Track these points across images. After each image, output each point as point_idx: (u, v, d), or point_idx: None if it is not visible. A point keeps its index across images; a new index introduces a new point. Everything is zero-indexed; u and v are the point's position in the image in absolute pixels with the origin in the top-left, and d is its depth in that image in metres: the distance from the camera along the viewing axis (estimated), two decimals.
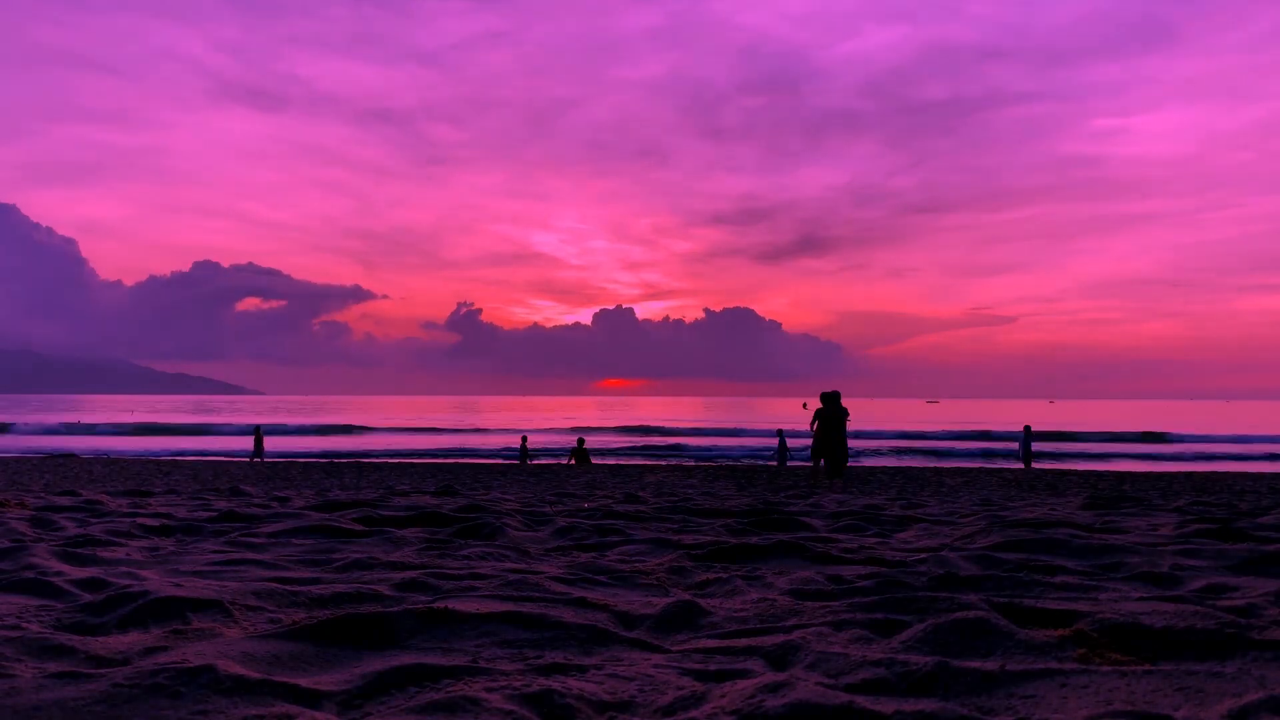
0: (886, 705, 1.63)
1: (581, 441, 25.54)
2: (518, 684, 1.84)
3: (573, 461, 24.78)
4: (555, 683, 1.86)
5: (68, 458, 25.37)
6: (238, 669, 1.85)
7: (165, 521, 5.22)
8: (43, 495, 7.91)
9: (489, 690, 1.79)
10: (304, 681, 1.88)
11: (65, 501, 6.72)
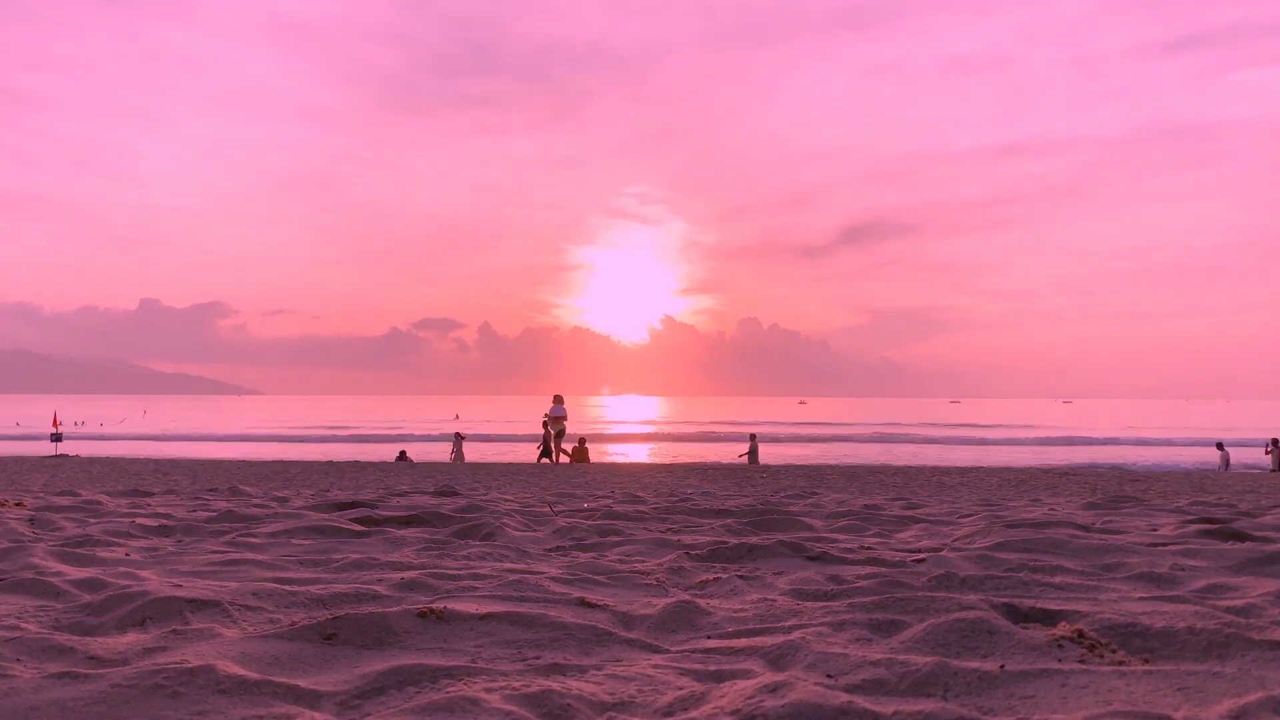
0: (886, 705, 1.63)
1: (582, 441, 25.53)
2: (517, 684, 1.84)
3: (573, 461, 24.78)
4: (555, 683, 1.86)
5: (66, 458, 25.35)
6: (237, 669, 1.85)
7: (164, 521, 5.22)
8: (41, 495, 7.91)
9: (488, 690, 1.78)
10: (303, 682, 1.88)
11: (64, 501, 6.73)
